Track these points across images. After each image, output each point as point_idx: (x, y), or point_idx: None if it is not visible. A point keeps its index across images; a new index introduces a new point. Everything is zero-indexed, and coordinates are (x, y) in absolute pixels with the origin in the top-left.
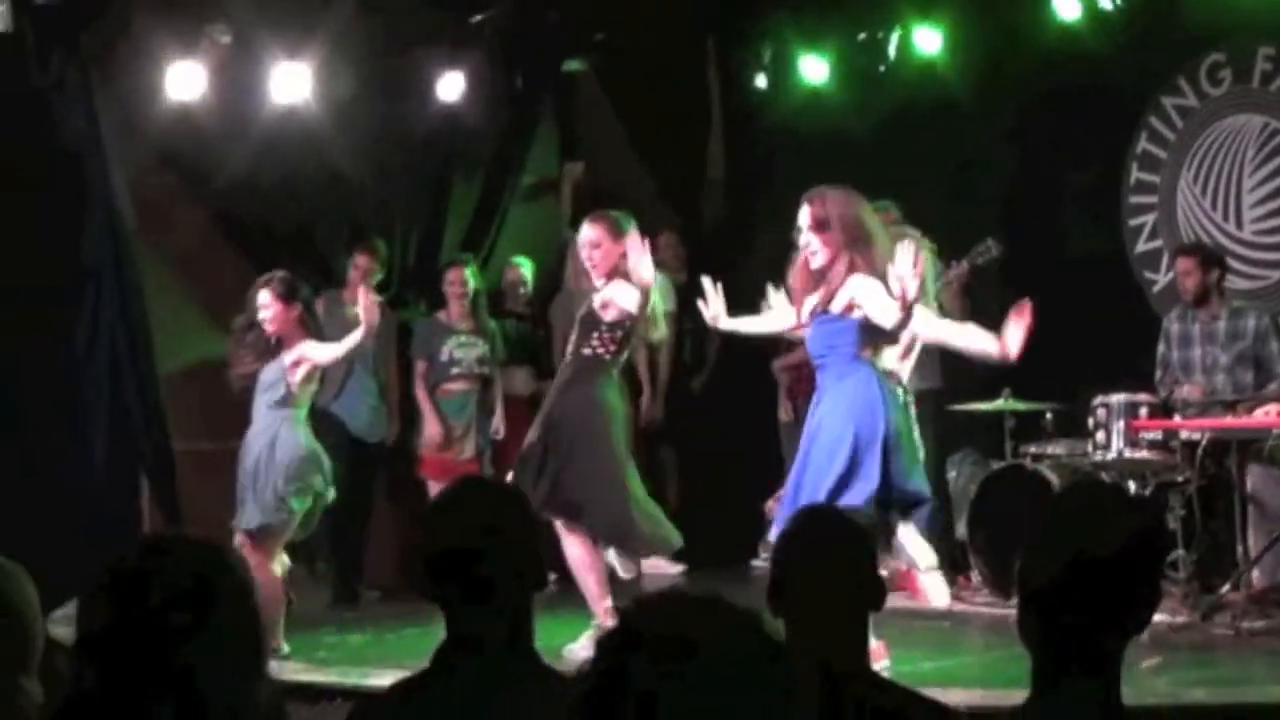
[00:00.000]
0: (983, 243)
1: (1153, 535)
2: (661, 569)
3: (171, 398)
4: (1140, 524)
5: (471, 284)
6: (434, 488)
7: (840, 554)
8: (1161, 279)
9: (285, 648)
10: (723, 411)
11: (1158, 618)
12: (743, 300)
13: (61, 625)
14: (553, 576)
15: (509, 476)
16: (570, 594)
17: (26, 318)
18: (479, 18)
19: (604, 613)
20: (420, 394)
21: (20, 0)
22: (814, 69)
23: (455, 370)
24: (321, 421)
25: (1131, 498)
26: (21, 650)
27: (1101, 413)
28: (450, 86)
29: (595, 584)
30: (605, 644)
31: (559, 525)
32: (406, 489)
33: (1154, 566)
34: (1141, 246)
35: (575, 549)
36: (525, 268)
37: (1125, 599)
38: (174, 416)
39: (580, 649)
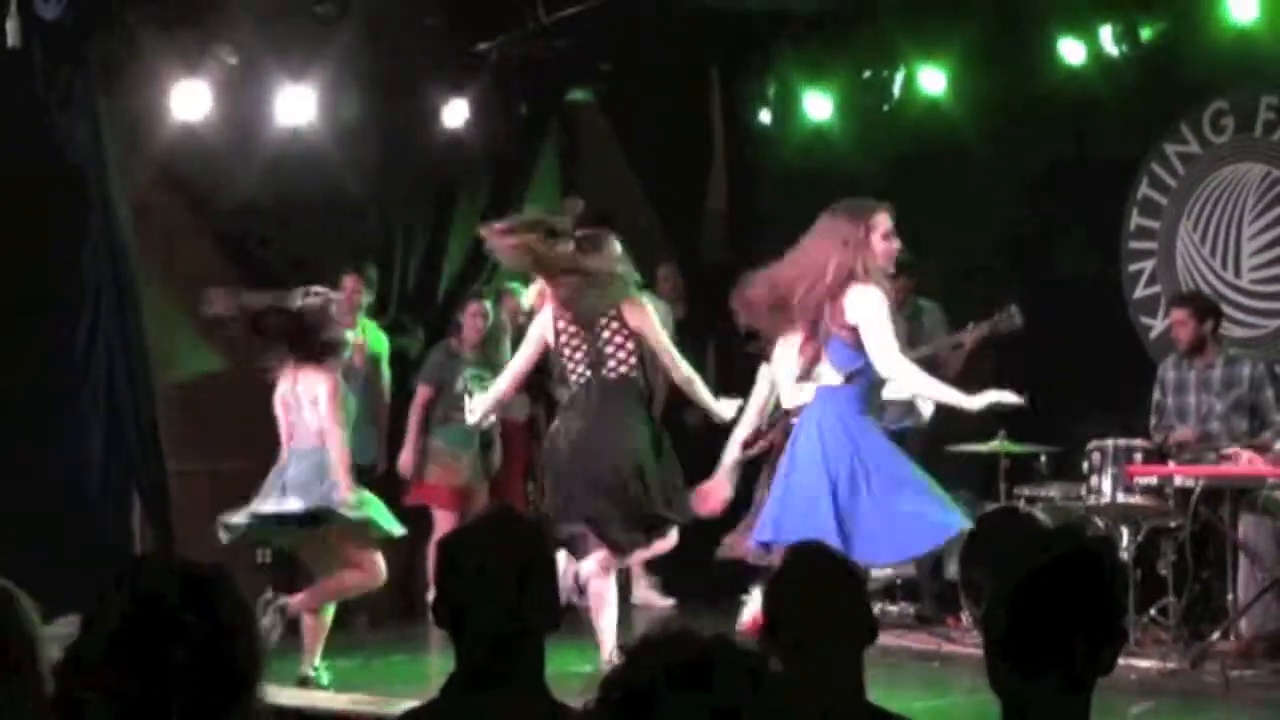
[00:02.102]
0: (1006, 310)
1: (1096, 569)
2: (652, 602)
3: (167, 417)
4: (1082, 558)
5: (491, 317)
6: (438, 514)
7: (833, 591)
8: (1159, 324)
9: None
10: (716, 446)
11: (1148, 664)
12: (738, 337)
13: (51, 644)
14: None
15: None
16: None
17: (26, 330)
18: (484, 46)
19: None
20: (413, 419)
21: (30, 16)
22: (818, 106)
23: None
24: None
25: (1081, 535)
26: (26, 675)
27: (1096, 457)
28: (454, 113)
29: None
30: (615, 682)
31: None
32: (397, 513)
33: (1105, 602)
34: (1140, 292)
35: (599, 582)
36: (521, 295)
37: (1082, 638)
38: (169, 435)
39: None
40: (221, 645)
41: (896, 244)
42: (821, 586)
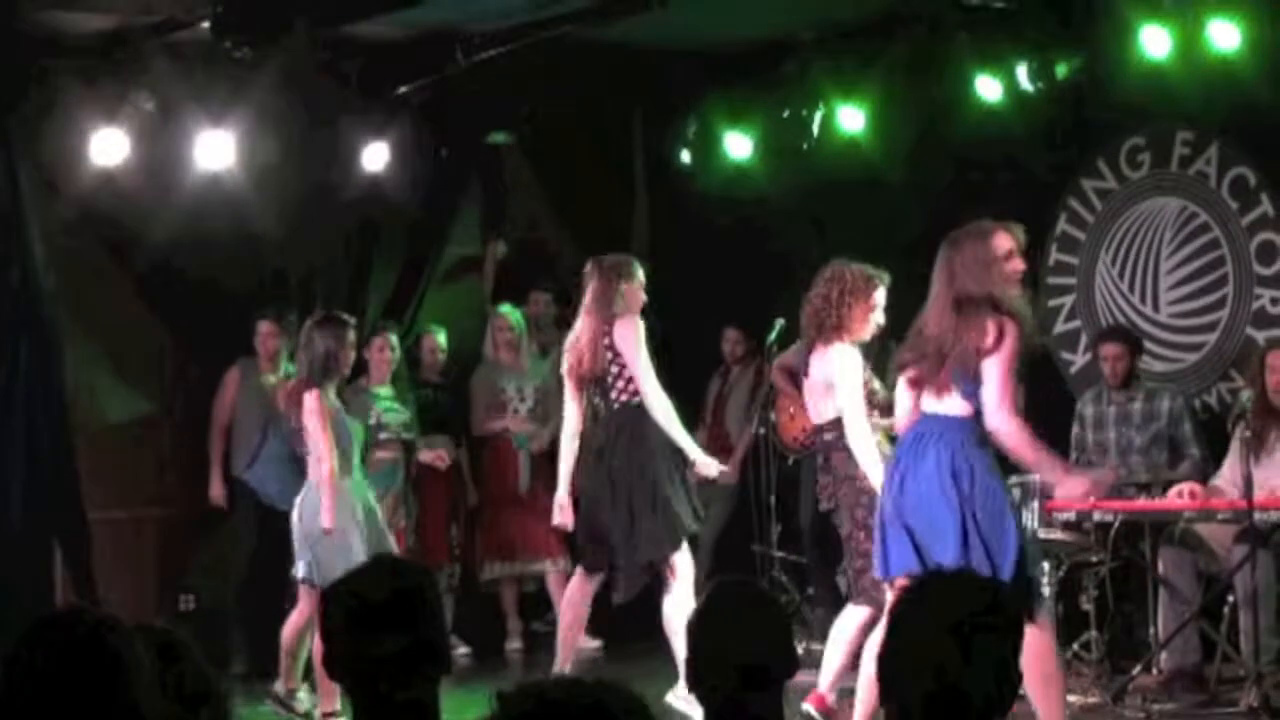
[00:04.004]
0: None
1: (1005, 625)
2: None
3: (88, 464)
4: (993, 617)
5: (397, 352)
6: None
7: (753, 627)
8: (1079, 360)
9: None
10: None
11: (1070, 698)
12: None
13: None
14: (465, 650)
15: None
16: (483, 668)
17: None
18: (404, 89)
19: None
20: None
21: None
22: (738, 145)
23: (383, 435)
24: (235, 489)
25: (993, 593)
26: None
27: (1016, 492)
28: (375, 157)
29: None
30: None
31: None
32: None
33: (1010, 655)
34: (1060, 327)
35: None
36: (439, 334)
37: (975, 682)
38: (90, 483)
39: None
40: (124, 693)
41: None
42: (742, 623)
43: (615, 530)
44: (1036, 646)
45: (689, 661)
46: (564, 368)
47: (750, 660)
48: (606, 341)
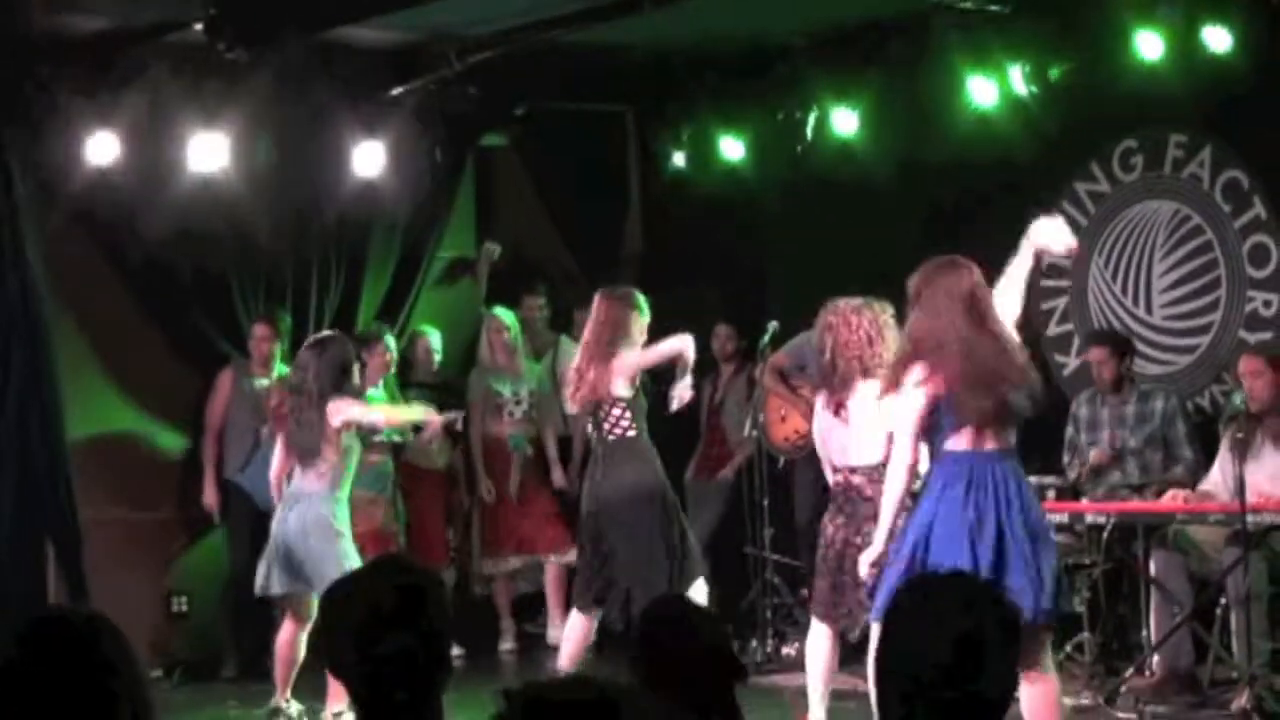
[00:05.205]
0: None
1: (971, 618)
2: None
3: (82, 466)
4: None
5: (393, 355)
6: None
7: (698, 636)
8: (1072, 362)
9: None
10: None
11: (1063, 700)
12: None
13: None
14: (458, 651)
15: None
16: (477, 670)
17: None
18: (398, 90)
19: None
20: None
21: None
22: (732, 148)
23: (375, 439)
24: (228, 492)
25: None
26: None
27: None
28: (368, 159)
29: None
30: None
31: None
32: None
33: (990, 649)
34: (1052, 330)
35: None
36: (433, 336)
37: (972, 685)
38: (83, 485)
39: None
40: (104, 689)
41: None
42: (689, 634)
43: (601, 557)
44: (1047, 694)
45: (640, 675)
46: (567, 392)
47: (695, 670)
48: (604, 375)
